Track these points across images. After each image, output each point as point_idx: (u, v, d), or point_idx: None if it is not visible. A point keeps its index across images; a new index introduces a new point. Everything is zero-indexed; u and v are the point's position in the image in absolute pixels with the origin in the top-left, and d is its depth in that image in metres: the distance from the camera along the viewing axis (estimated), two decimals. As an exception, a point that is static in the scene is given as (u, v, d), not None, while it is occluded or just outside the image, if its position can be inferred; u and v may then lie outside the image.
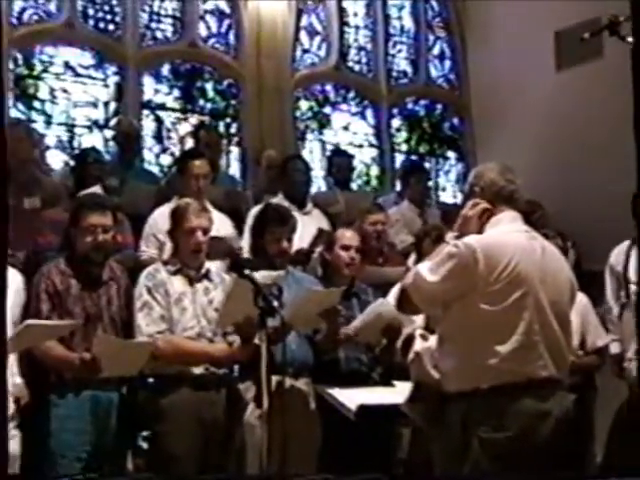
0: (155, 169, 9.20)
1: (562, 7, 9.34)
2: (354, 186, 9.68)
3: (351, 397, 5.07)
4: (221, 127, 9.80)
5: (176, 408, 4.96)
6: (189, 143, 9.25)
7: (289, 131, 10.01)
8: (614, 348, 6.21)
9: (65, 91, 9.02)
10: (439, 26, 11.50)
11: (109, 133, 8.90)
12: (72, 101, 9.05)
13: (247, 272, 4.60)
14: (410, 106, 11.26)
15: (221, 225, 6.19)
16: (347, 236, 5.83)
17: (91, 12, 9.24)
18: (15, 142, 6.80)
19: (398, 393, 4.67)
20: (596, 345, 6.19)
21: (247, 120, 9.88)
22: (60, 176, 7.81)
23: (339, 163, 8.88)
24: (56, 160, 8.73)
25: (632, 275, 6.04)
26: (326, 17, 10.64)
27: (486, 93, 10.87)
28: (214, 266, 5.40)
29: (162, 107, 9.62)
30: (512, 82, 10.15)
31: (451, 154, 11.43)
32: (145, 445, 5.26)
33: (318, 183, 9.79)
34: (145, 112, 9.47)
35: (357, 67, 10.92)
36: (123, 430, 5.06)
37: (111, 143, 8.71)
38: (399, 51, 11.23)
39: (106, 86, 9.29)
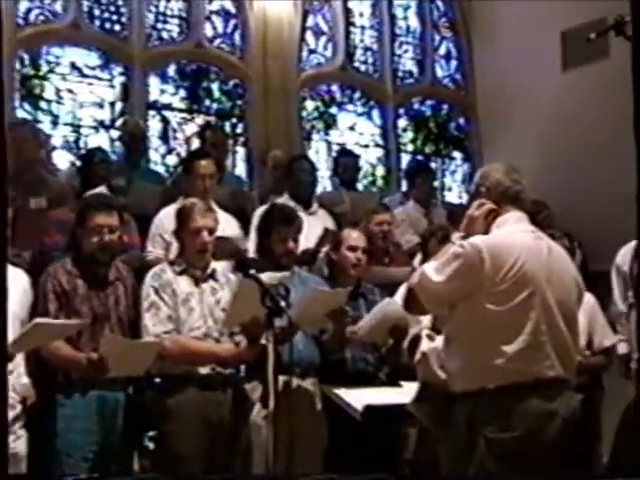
0: (161, 169, 9.20)
1: (568, 7, 9.33)
2: (360, 186, 9.67)
3: (357, 397, 5.07)
4: (227, 127, 9.79)
5: (182, 408, 4.96)
6: (195, 143, 9.25)
7: (295, 131, 10.01)
8: (621, 348, 6.19)
9: (71, 91, 9.03)
10: (445, 26, 11.50)
11: (115, 133, 8.91)
12: (78, 101, 9.05)
13: (252, 272, 4.60)
14: (416, 106, 11.25)
15: (227, 225, 6.19)
16: (354, 237, 5.83)
17: (97, 12, 9.24)
18: (21, 142, 6.82)
19: (404, 393, 4.67)
20: (603, 345, 6.18)
21: (253, 120, 9.88)
22: (66, 176, 7.82)
23: (345, 163, 8.88)
24: (62, 160, 8.73)
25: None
26: (332, 17, 10.63)
27: (492, 93, 10.86)
28: (220, 266, 5.40)
29: (168, 107, 9.62)
30: (518, 82, 10.14)
31: (457, 154, 11.43)
32: (151, 445, 5.26)
33: (324, 183, 9.79)
34: (151, 112, 9.47)
35: (363, 67, 10.91)
36: (129, 430, 5.06)
37: (117, 143, 8.72)
38: (405, 51, 11.22)
39: (112, 86, 9.30)
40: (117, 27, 9.35)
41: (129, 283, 5.24)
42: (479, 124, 11.27)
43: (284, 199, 7.19)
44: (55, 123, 8.90)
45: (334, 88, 10.69)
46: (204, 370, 5.04)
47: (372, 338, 5.48)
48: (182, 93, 9.71)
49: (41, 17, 8.95)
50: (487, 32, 10.99)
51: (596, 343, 6.15)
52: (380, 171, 10.82)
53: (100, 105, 9.18)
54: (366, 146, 10.70)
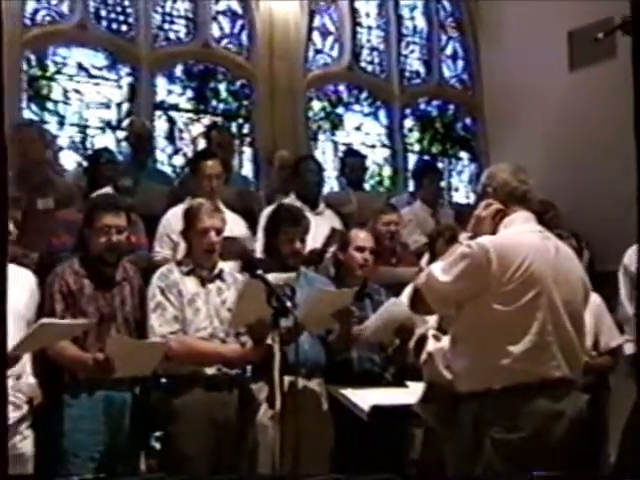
0: (168, 170, 9.21)
1: (575, 7, 9.32)
2: (366, 186, 9.67)
3: (364, 398, 5.06)
4: (234, 128, 9.79)
5: (189, 408, 4.96)
6: (201, 144, 9.25)
7: (302, 132, 10.01)
8: (628, 349, 6.18)
9: (78, 92, 9.04)
10: (451, 26, 11.50)
11: (122, 134, 8.91)
12: (85, 102, 9.06)
13: (260, 272, 4.61)
14: (423, 106, 11.25)
15: (234, 225, 6.19)
16: (361, 237, 5.83)
17: (104, 13, 9.25)
18: (28, 143, 6.84)
19: (411, 393, 4.67)
20: (610, 345, 6.17)
21: (260, 121, 9.89)
22: (73, 177, 7.82)
23: (352, 163, 8.89)
24: (69, 161, 8.74)
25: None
26: (338, 18, 10.64)
27: (499, 93, 10.85)
28: (227, 266, 5.40)
29: (175, 108, 9.62)
30: (525, 82, 10.13)
31: (464, 154, 11.42)
32: (158, 445, 5.27)
33: (331, 183, 9.79)
34: (158, 113, 9.47)
35: (370, 67, 10.91)
36: (136, 430, 5.06)
37: (124, 144, 8.72)
38: (412, 51, 11.22)
39: (119, 87, 9.30)
40: (124, 28, 9.36)
41: (136, 283, 5.24)
42: (486, 124, 11.26)
43: (291, 199, 7.19)
44: (62, 124, 8.90)
45: (341, 88, 10.69)
46: (210, 370, 5.05)
47: (378, 338, 5.48)
48: (189, 93, 9.72)
49: (48, 18, 8.96)
50: (494, 32, 10.98)
51: (603, 343, 6.14)
52: (387, 171, 10.82)
53: (107, 105, 9.19)
54: (373, 146, 10.70)
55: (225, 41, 9.92)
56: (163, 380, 5.10)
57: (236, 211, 6.65)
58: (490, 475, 3.82)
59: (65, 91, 8.97)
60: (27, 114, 8.63)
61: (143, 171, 7.82)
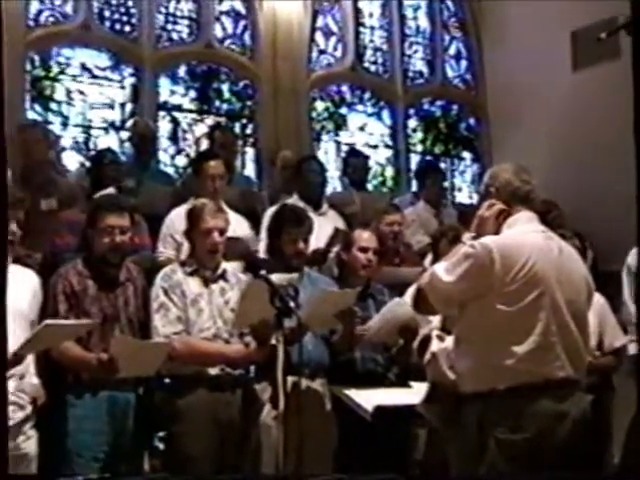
0: (171, 170, 9.22)
1: (578, 7, 9.31)
2: (369, 187, 9.67)
3: (367, 398, 5.06)
4: (237, 128, 9.81)
5: (192, 409, 4.96)
6: (205, 144, 9.25)
7: (305, 132, 10.02)
8: (632, 349, 6.18)
9: (81, 92, 9.05)
10: (455, 26, 11.50)
11: (125, 134, 8.93)
12: (88, 102, 9.07)
13: (263, 273, 4.61)
14: (426, 107, 11.26)
15: (237, 226, 6.19)
16: (365, 238, 5.83)
17: (107, 14, 9.27)
18: (31, 143, 6.86)
19: (414, 394, 4.66)
20: (614, 346, 6.16)
21: (263, 121, 9.89)
22: (75, 177, 7.83)
23: (355, 164, 8.88)
24: (72, 161, 8.76)
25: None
26: (342, 18, 10.64)
27: (502, 93, 10.85)
28: (230, 267, 5.40)
29: (178, 108, 9.63)
30: (528, 82, 10.12)
31: (467, 154, 11.42)
32: (161, 446, 5.27)
33: (334, 184, 9.80)
34: (161, 113, 9.49)
35: (373, 68, 10.92)
36: (140, 431, 5.07)
37: (127, 144, 8.74)
38: (415, 51, 11.23)
39: (122, 87, 9.32)
40: (127, 28, 9.37)
41: (139, 284, 5.24)
42: (489, 124, 11.26)
43: (294, 200, 7.19)
44: (65, 124, 8.92)
45: (344, 89, 10.71)
46: (213, 371, 5.05)
47: (381, 338, 5.48)
48: (192, 94, 9.73)
49: (51, 19, 8.98)
50: (497, 32, 10.98)
51: (606, 343, 6.13)
52: (389, 172, 10.82)
53: (110, 106, 9.20)
54: (376, 146, 10.71)
55: (228, 41, 9.93)
56: (167, 380, 5.10)
57: (239, 211, 6.65)
58: (494, 476, 3.81)
59: (68, 92, 8.98)
60: (31, 115, 8.65)
61: (146, 172, 7.82)
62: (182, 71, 9.70)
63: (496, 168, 4.31)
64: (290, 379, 4.54)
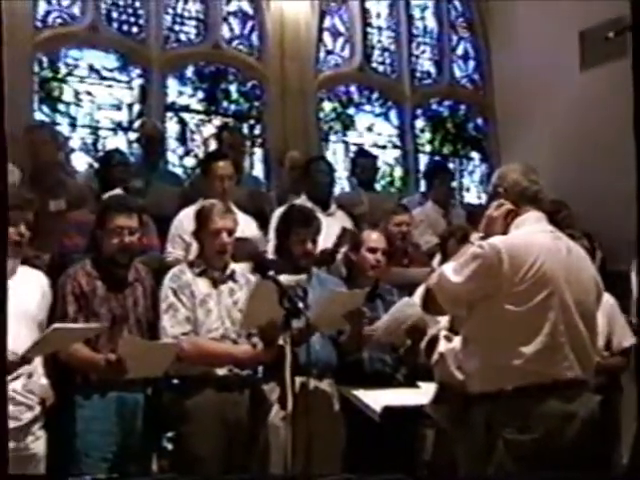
0: (179, 171, 9.23)
1: (586, 7, 9.30)
2: (377, 187, 9.66)
3: (376, 398, 5.06)
4: (245, 129, 9.81)
5: (200, 409, 4.96)
6: (213, 145, 9.26)
7: (313, 132, 10.02)
8: (640, 348, 6.17)
9: (89, 94, 9.06)
10: (462, 26, 11.50)
11: (133, 135, 8.94)
12: (96, 103, 9.08)
13: (271, 273, 4.61)
14: (434, 107, 11.25)
15: (246, 226, 6.19)
16: (373, 238, 5.83)
17: (115, 15, 9.28)
18: (40, 145, 6.86)
19: (422, 394, 4.66)
20: (622, 346, 6.15)
21: (271, 121, 9.90)
22: (84, 178, 7.84)
23: (363, 164, 8.87)
24: (80, 162, 8.77)
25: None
26: (349, 18, 10.65)
27: (510, 93, 10.84)
28: (239, 267, 5.40)
29: (186, 109, 9.64)
30: (536, 82, 10.11)
31: (475, 155, 11.42)
32: (170, 446, 5.27)
33: (342, 184, 9.80)
34: (169, 114, 9.50)
35: (381, 68, 10.91)
36: (148, 431, 5.07)
37: (135, 145, 8.75)
38: (423, 52, 11.23)
39: (130, 88, 9.33)
40: (135, 29, 9.39)
41: (148, 284, 5.25)
42: (497, 124, 11.26)
43: (302, 200, 7.20)
44: (73, 125, 8.93)
45: (352, 89, 10.71)
46: (221, 371, 5.05)
47: (389, 338, 5.47)
48: (200, 95, 9.73)
49: (59, 20, 9.00)
50: (505, 32, 10.97)
51: (615, 344, 6.13)
52: (398, 172, 10.82)
53: (118, 107, 9.21)
54: (384, 147, 10.70)
55: (236, 42, 9.94)
56: (175, 381, 5.11)
57: (247, 212, 6.65)
58: (502, 476, 3.81)
59: (76, 93, 9.00)
60: (39, 116, 8.66)
61: (154, 172, 7.83)
62: (190, 72, 9.71)
63: (504, 168, 4.30)
64: (298, 379, 4.55)
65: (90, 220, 5.53)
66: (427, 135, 11.14)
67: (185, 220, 6.17)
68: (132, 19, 9.37)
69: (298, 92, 9.92)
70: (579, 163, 9.45)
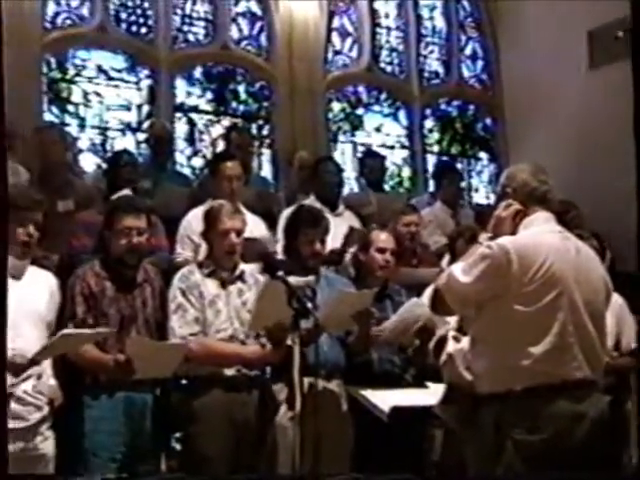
0: (187, 171, 9.23)
1: (595, 6, 9.28)
2: (386, 187, 9.66)
3: (384, 399, 5.06)
4: (253, 129, 9.82)
5: (208, 409, 4.97)
6: (221, 145, 9.26)
7: (321, 133, 10.02)
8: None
9: (98, 94, 9.08)
10: (471, 26, 11.50)
11: (142, 136, 8.95)
12: (105, 104, 9.11)
13: (280, 274, 4.61)
14: (442, 107, 11.26)
15: (254, 227, 6.19)
16: (382, 238, 5.83)
17: (123, 16, 9.31)
18: (48, 145, 6.88)
19: (431, 394, 4.66)
20: (632, 346, 6.13)
21: (279, 122, 9.91)
22: (92, 179, 7.85)
23: (371, 164, 8.87)
24: (89, 163, 8.80)
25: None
26: (358, 18, 10.65)
27: (519, 93, 10.83)
28: (248, 268, 5.40)
29: (194, 110, 9.66)
30: (545, 82, 10.10)
31: (483, 155, 11.42)
32: (178, 446, 5.28)
33: (350, 185, 9.80)
34: (177, 115, 9.51)
35: (389, 68, 10.92)
36: (157, 431, 5.07)
37: (144, 146, 8.76)
38: (431, 52, 11.23)
39: (139, 89, 9.35)
40: (143, 30, 9.41)
41: (156, 285, 5.25)
42: (505, 124, 11.25)
43: (310, 201, 7.19)
44: (82, 126, 8.96)
45: (360, 89, 10.71)
46: (230, 371, 5.05)
47: (398, 339, 5.47)
48: (208, 95, 9.75)
49: (68, 21, 9.02)
50: (513, 32, 10.96)
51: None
52: (406, 172, 10.81)
53: (127, 108, 9.24)
54: (392, 147, 10.70)
55: (244, 43, 9.95)
56: (183, 381, 5.11)
57: (256, 212, 6.64)
58: (511, 477, 3.80)
59: (85, 93, 9.02)
60: (47, 117, 8.69)
61: (163, 173, 7.84)
62: (198, 72, 9.73)
63: (513, 168, 4.29)
64: (306, 380, 4.54)
65: (98, 221, 5.53)
66: (435, 135, 11.14)
67: (194, 221, 6.17)
68: (141, 20, 9.39)
69: (307, 92, 9.92)
70: (588, 163, 9.43)
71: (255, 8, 10.04)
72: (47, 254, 5.64)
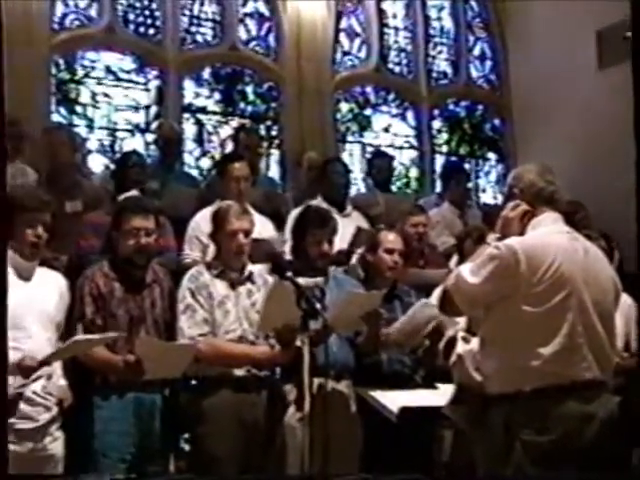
0: (195, 172, 9.24)
1: (603, 6, 9.26)
2: (394, 188, 9.65)
3: (393, 399, 5.05)
4: (262, 130, 9.81)
5: (217, 410, 4.96)
6: (229, 146, 9.27)
7: (329, 133, 10.02)
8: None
9: (106, 95, 9.09)
10: (479, 27, 11.49)
11: (150, 137, 8.95)
12: (113, 105, 9.12)
13: (289, 274, 4.61)
14: (451, 107, 11.25)
15: (262, 227, 6.19)
16: (390, 239, 5.83)
17: (132, 17, 9.32)
18: (57, 146, 6.90)
19: (440, 395, 4.66)
20: (641, 347, 6.12)
21: (287, 123, 9.90)
22: (100, 180, 7.86)
23: (379, 165, 8.86)
24: (97, 164, 8.80)
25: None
26: (365, 19, 10.65)
27: (527, 94, 10.82)
28: (257, 268, 5.40)
29: (203, 110, 9.66)
30: (553, 82, 10.08)
31: (491, 155, 11.40)
32: (187, 447, 5.28)
33: (358, 185, 9.80)
34: (186, 115, 9.52)
35: (397, 69, 10.91)
36: (166, 432, 5.07)
37: (152, 147, 8.76)
38: (439, 52, 11.22)
39: (147, 90, 9.36)
40: (151, 31, 9.42)
41: (165, 285, 5.25)
42: (514, 125, 11.23)
43: (318, 201, 7.19)
44: (90, 127, 8.97)
45: (368, 90, 10.71)
46: (239, 372, 5.04)
47: (407, 340, 5.46)
48: (217, 96, 9.75)
49: (76, 22, 9.04)
50: (522, 32, 10.94)
51: (633, 344, 6.09)
52: (414, 173, 10.81)
53: (135, 109, 9.25)
54: (400, 148, 10.69)
55: (252, 43, 9.95)
56: (192, 382, 5.11)
57: (264, 213, 6.65)
58: (520, 477, 3.80)
59: (93, 94, 9.03)
60: (56, 118, 8.70)
61: (171, 174, 7.85)
62: (206, 73, 9.73)
63: (520, 169, 4.29)
64: (316, 381, 4.55)
65: (106, 221, 5.54)
66: (444, 136, 11.13)
67: (202, 222, 6.18)
68: (149, 21, 9.40)
69: (315, 93, 9.92)
70: (596, 163, 9.41)
71: (263, 9, 10.05)
72: (56, 255, 5.64)
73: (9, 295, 4.00)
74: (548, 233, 3.98)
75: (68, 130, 7.82)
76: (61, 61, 8.89)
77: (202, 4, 9.70)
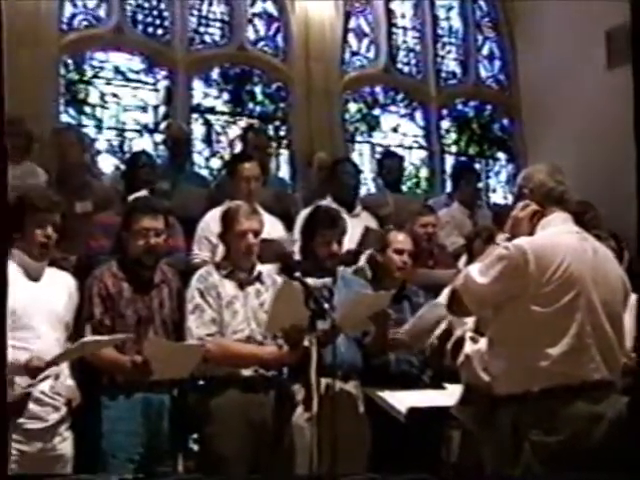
0: (205, 172, 9.25)
1: (612, 6, 9.23)
2: (404, 188, 9.64)
3: (401, 399, 5.05)
4: (270, 130, 9.81)
5: (225, 410, 4.96)
6: (238, 146, 9.27)
7: (338, 133, 10.01)
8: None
9: (115, 96, 9.11)
10: (488, 26, 11.47)
11: (159, 137, 8.96)
12: (122, 105, 9.13)
13: (298, 275, 4.61)
14: (459, 107, 11.23)
15: (272, 228, 6.19)
16: (400, 239, 5.82)
17: (140, 17, 9.33)
18: (66, 147, 6.91)
19: (449, 395, 4.65)
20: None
21: (296, 123, 9.90)
22: (110, 180, 7.87)
23: (389, 165, 8.85)
24: (107, 164, 8.81)
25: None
26: (374, 19, 10.64)
27: (536, 93, 10.80)
28: (266, 269, 5.40)
29: (211, 111, 9.67)
30: (562, 82, 10.06)
31: (501, 155, 11.38)
32: (195, 447, 5.28)
33: (368, 185, 9.79)
34: (194, 116, 9.52)
35: (406, 69, 10.90)
36: (174, 432, 5.08)
37: (161, 147, 8.77)
38: (448, 52, 11.21)
39: (156, 90, 9.36)
40: (160, 31, 9.43)
41: (174, 286, 5.25)
42: (523, 124, 11.21)
43: (327, 202, 7.19)
44: (99, 127, 8.98)
45: (377, 90, 10.70)
46: (247, 372, 5.04)
47: (417, 341, 5.45)
48: (225, 96, 9.76)
49: (85, 22, 9.05)
50: (531, 32, 10.93)
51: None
52: (423, 173, 10.80)
53: (144, 109, 9.26)
54: (409, 148, 10.68)
55: (261, 43, 9.96)
56: (200, 382, 5.11)
57: (273, 213, 6.64)
58: (529, 478, 3.79)
59: (102, 95, 9.04)
60: (65, 118, 8.71)
61: (180, 174, 7.85)
62: (215, 73, 9.74)
63: (530, 169, 4.29)
64: (323, 381, 4.55)
65: (116, 222, 5.54)
66: (453, 136, 11.12)
67: (211, 222, 6.17)
68: (157, 21, 9.41)
69: (323, 93, 9.92)
70: (606, 163, 9.38)
71: (271, 9, 10.05)
72: (65, 255, 5.65)
73: (18, 295, 4.03)
74: (557, 233, 3.98)
75: (77, 130, 7.83)
76: (70, 61, 8.91)
77: (210, 4, 9.71)
